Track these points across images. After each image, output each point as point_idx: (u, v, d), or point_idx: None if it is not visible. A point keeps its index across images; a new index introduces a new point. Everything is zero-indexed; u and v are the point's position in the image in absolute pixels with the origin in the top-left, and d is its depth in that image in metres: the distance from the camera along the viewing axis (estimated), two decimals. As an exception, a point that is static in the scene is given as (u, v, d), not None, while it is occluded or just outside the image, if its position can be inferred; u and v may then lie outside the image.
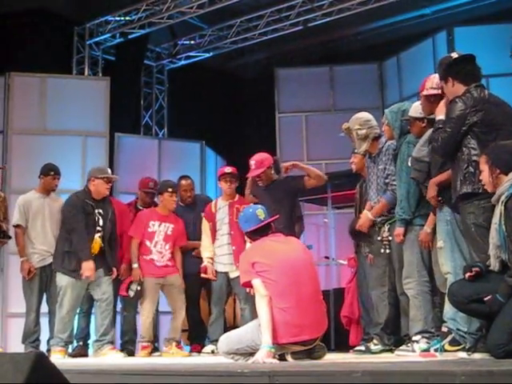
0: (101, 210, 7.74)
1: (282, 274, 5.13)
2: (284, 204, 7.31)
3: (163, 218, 8.11)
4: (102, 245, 7.63)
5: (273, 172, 7.56)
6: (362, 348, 6.80)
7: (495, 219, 4.54)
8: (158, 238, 8.06)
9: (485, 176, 4.70)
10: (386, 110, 6.55)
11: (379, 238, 6.59)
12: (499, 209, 4.50)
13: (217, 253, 7.98)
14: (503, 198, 4.48)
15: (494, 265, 4.54)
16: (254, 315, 7.65)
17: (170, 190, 8.09)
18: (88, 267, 7.47)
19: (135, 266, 7.99)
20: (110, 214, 7.79)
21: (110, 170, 8.06)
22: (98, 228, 7.67)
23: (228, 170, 8.13)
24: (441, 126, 5.06)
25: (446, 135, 4.98)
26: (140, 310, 8.19)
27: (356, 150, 6.95)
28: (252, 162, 7.45)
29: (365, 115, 6.83)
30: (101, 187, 7.75)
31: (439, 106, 5.33)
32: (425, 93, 5.68)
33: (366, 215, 6.63)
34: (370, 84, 13.45)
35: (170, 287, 8.04)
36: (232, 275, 7.79)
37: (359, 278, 7.42)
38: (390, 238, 6.43)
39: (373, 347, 6.63)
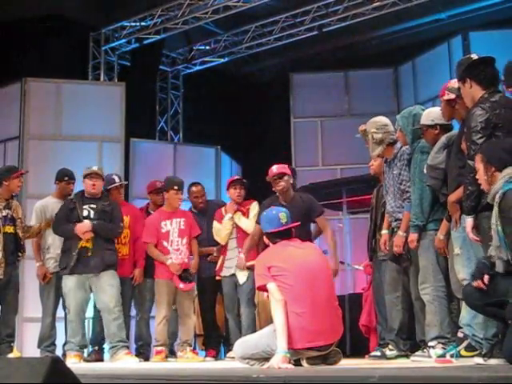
0: (93, 205, 7.78)
1: (298, 278, 5.12)
2: (302, 223, 7.25)
3: (171, 214, 8.10)
4: (92, 238, 7.64)
5: (292, 183, 7.53)
6: (378, 353, 6.78)
7: (493, 219, 4.51)
8: (173, 236, 8.05)
9: (480, 174, 4.68)
10: (398, 116, 6.51)
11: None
12: (495, 209, 4.47)
13: (227, 257, 8.03)
14: (497, 197, 4.45)
15: (498, 266, 4.51)
16: (252, 319, 7.77)
17: (175, 187, 8.08)
18: (81, 229, 7.56)
19: (168, 262, 7.92)
20: (101, 206, 7.80)
21: (95, 167, 8.06)
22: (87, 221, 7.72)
23: (237, 177, 8.21)
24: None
25: (478, 148, 4.92)
26: (155, 314, 8.19)
27: (370, 152, 6.92)
28: (274, 167, 7.48)
29: (382, 119, 6.80)
30: (86, 185, 7.86)
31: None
32: (446, 97, 5.63)
33: (398, 235, 6.50)
34: (385, 89, 13.43)
35: (181, 292, 8.01)
36: (240, 280, 7.82)
37: (375, 284, 7.38)
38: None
39: (388, 353, 6.61)
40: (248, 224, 7.91)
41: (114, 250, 7.87)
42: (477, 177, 4.73)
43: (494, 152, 4.67)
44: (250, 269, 7.52)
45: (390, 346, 6.62)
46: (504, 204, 4.39)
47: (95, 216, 7.73)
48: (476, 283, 4.56)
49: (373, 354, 6.91)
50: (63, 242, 7.80)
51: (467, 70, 5.18)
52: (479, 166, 4.67)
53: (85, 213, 7.73)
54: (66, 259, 7.66)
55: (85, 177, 7.86)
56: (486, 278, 4.52)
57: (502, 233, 4.38)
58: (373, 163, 7.19)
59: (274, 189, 7.46)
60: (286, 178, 7.39)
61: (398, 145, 6.59)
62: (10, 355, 7.62)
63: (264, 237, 5.62)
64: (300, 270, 5.17)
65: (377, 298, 7.33)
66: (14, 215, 7.87)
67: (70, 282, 7.61)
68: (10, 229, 7.82)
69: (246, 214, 8.01)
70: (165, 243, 8.00)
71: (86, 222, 7.62)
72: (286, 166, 7.67)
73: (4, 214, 7.81)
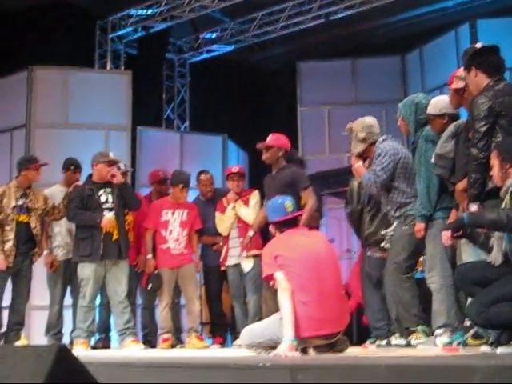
0: (108, 189, 7.77)
1: (304, 267, 5.11)
2: (286, 193, 7.25)
3: (176, 205, 8.16)
4: (116, 222, 7.66)
5: (280, 156, 7.48)
6: (383, 343, 6.77)
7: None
8: (173, 226, 8.09)
9: (495, 171, 4.66)
10: (400, 105, 6.49)
11: (382, 233, 6.62)
12: (505, 200, 4.46)
13: (229, 246, 8.06)
14: (510, 189, 4.44)
15: (496, 258, 4.50)
16: (260, 306, 7.77)
17: (180, 185, 8.13)
18: (107, 220, 7.55)
19: (149, 256, 8.06)
20: (118, 190, 7.79)
21: (111, 154, 8.05)
22: (108, 205, 7.71)
23: (235, 169, 8.22)
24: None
25: (481, 136, 4.92)
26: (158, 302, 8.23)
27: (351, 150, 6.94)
28: (268, 138, 7.50)
29: (369, 120, 6.87)
30: (103, 170, 7.81)
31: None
32: (453, 86, 5.62)
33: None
34: (393, 77, 13.37)
35: (183, 278, 8.08)
36: (246, 269, 7.83)
37: (362, 274, 7.38)
38: (392, 234, 6.45)
39: (394, 341, 6.60)
40: (248, 213, 7.93)
41: (127, 235, 7.91)
42: (491, 173, 4.73)
43: (510, 149, 4.65)
44: (255, 257, 7.55)
45: (396, 335, 6.61)
46: None
47: (115, 200, 7.73)
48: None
49: (379, 342, 6.89)
50: (79, 230, 7.76)
51: (472, 59, 5.17)
52: (495, 162, 4.66)
53: (102, 198, 7.72)
54: (88, 246, 7.61)
55: (101, 162, 7.83)
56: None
57: None
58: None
59: None
60: (272, 150, 7.40)
61: (379, 145, 6.58)
62: (18, 343, 7.65)
63: (270, 226, 5.63)
64: (307, 259, 5.17)
65: (365, 290, 7.32)
66: (29, 205, 7.87)
67: (88, 270, 7.60)
68: (24, 218, 7.83)
69: (246, 203, 8.02)
70: (163, 232, 8.07)
71: (111, 215, 7.60)
72: (281, 137, 7.63)
73: (20, 203, 7.82)
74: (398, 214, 6.40)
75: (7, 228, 7.75)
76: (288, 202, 5.44)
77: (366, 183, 6.54)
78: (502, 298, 4.16)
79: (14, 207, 7.77)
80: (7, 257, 7.67)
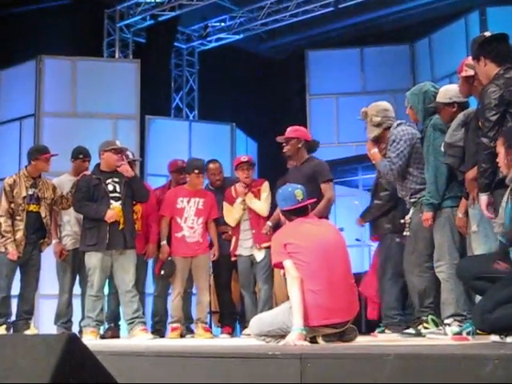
0: (116, 179, 7.74)
1: (314, 255, 5.10)
2: (309, 186, 7.26)
3: (192, 193, 8.13)
4: (122, 212, 7.64)
5: (300, 147, 7.48)
6: (412, 331, 6.71)
7: (505, 197, 4.49)
8: (188, 214, 8.07)
9: (500, 158, 4.62)
10: (408, 93, 6.46)
11: (402, 221, 6.60)
12: (510, 187, 4.44)
13: (241, 237, 8.03)
14: None
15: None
16: (270, 295, 7.77)
17: (196, 171, 8.10)
18: (110, 215, 7.52)
19: (163, 242, 8.07)
20: (125, 179, 7.75)
21: (118, 142, 8.04)
22: (116, 195, 7.68)
23: (244, 158, 8.17)
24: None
25: (492, 125, 4.90)
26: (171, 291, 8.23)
27: (368, 134, 6.91)
28: (288, 129, 7.49)
29: (384, 104, 6.81)
30: (110, 159, 7.76)
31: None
32: (463, 74, 5.59)
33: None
34: (402, 65, 13.36)
35: (196, 268, 8.08)
36: (258, 258, 7.83)
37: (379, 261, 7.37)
38: (409, 221, 6.44)
39: (423, 330, 6.52)
40: (261, 206, 7.91)
41: (134, 225, 7.93)
42: (497, 160, 4.70)
43: None
44: (268, 248, 7.55)
45: (425, 324, 6.51)
46: None
47: (122, 189, 7.72)
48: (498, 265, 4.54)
49: (406, 331, 6.84)
50: (86, 219, 7.73)
51: (481, 48, 5.13)
52: (500, 149, 4.62)
53: (110, 187, 7.71)
54: (94, 235, 7.59)
55: (108, 151, 7.83)
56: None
57: None
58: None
59: None
60: (292, 141, 7.39)
61: (393, 130, 6.55)
62: (27, 332, 7.67)
63: (280, 214, 5.62)
64: (316, 247, 5.16)
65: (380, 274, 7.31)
66: (39, 194, 7.88)
67: (95, 259, 7.59)
68: (34, 207, 7.85)
69: (257, 195, 7.99)
70: (178, 219, 8.05)
71: (116, 205, 7.59)
72: (300, 128, 7.63)
73: (30, 192, 7.83)
74: (413, 200, 6.38)
75: (18, 218, 7.77)
76: (298, 191, 5.42)
77: (382, 171, 6.52)
78: (502, 301, 4.14)
79: (25, 197, 7.79)
80: (17, 246, 7.69)
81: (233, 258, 8.12)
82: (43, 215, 7.87)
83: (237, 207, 8.01)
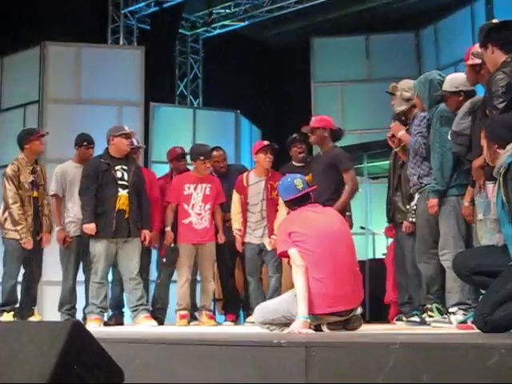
0: (124, 166, 7.72)
1: (318, 244, 5.09)
2: (329, 175, 7.26)
3: (198, 179, 8.09)
4: (129, 200, 7.63)
5: (326, 136, 7.45)
6: (417, 319, 6.70)
7: (495, 192, 4.47)
8: (196, 200, 8.03)
9: (485, 150, 4.62)
10: (414, 82, 6.50)
11: (408, 207, 6.61)
12: (498, 181, 4.42)
13: (251, 226, 8.00)
14: (501, 170, 4.39)
15: (499, 238, 4.48)
16: (280, 284, 7.75)
17: (201, 158, 8.06)
18: (87, 228, 7.56)
19: (167, 228, 8.05)
20: (134, 169, 7.78)
21: (126, 127, 8.03)
22: (123, 182, 7.66)
23: (267, 142, 8.12)
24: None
25: (499, 113, 4.87)
26: (177, 278, 8.20)
27: (394, 108, 6.92)
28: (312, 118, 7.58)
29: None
30: (120, 144, 7.74)
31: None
32: (470, 62, 5.56)
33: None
34: (407, 53, 13.32)
35: (202, 256, 8.05)
36: (268, 247, 7.81)
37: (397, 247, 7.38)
38: (415, 208, 6.44)
39: (427, 319, 6.51)
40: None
41: (146, 214, 7.94)
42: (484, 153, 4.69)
43: (495, 129, 4.59)
44: None
45: (430, 312, 6.50)
46: (510, 174, 4.34)
47: (130, 178, 7.70)
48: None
49: (412, 319, 6.83)
50: (96, 206, 7.72)
51: (488, 35, 5.10)
52: (483, 142, 4.62)
53: (118, 174, 7.68)
54: (100, 222, 7.59)
55: (117, 136, 7.79)
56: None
57: (507, 203, 4.34)
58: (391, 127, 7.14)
59: None
60: (318, 131, 7.40)
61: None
62: (32, 318, 7.69)
63: (284, 205, 5.64)
64: (321, 235, 5.15)
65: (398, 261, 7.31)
66: (37, 180, 7.90)
67: (100, 246, 7.59)
68: (36, 194, 7.89)
69: (274, 189, 7.82)
70: (185, 206, 8.02)
71: (91, 226, 7.57)
72: (324, 117, 7.65)
73: (32, 178, 7.85)
74: (417, 186, 6.40)
75: (26, 204, 7.78)
76: (298, 180, 5.42)
77: (413, 146, 6.47)
78: (500, 301, 4.12)
79: (31, 182, 7.80)
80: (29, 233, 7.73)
81: (239, 249, 8.08)
82: (39, 202, 7.89)
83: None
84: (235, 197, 8.11)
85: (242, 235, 8.02)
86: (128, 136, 7.83)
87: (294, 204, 5.39)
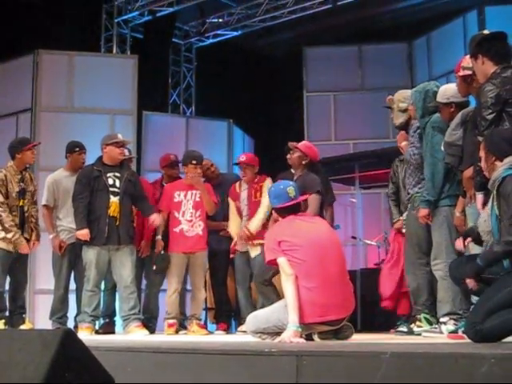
0: (117, 173, 7.74)
1: (309, 253, 5.10)
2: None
3: (189, 187, 8.04)
4: (120, 207, 7.64)
5: (304, 164, 7.43)
6: (404, 329, 6.71)
7: (489, 205, 4.50)
8: (186, 207, 8.00)
9: (482, 162, 4.65)
10: (412, 90, 6.56)
11: (401, 218, 6.68)
12: (492, 194, 4.45)
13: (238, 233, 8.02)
14: (496, 183, 4.42)
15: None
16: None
17: (193, 162, 8.05)
18: (81, 234, 7.58)
19: (158, 237, 8.02)
20: (127, 175, 7.78)
21: (120, 135, 8.04)
22: (115, 189, 7.67)
23: (242, 158, 8.14)
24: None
25: (489, 123, 4.89)
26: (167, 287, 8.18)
27: (394, 121, 6.97)
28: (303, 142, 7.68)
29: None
30: (113, 152, 7.76)
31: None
32: (461, 73, 5.59)
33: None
34: (399, 63, 13.37)
35: (194, 265, 8.00)
36: (252, 254, 7.81)
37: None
38: (405, 218, 6.50)
39: (416, 329, 6.52)
40: (258, 222, 7.84)
41: (133, 221, 7.94)
42: (480, 164, 4.72)
43: (494, 141, 4.63)
44: (262, 245, 7.57)
45: (418, 323, 6.51)
46: (502, 188, 4.37)
47: (121, 185, 7.71)
48: (458, 243, 4.62)
49: (399, 329, 6.84)
50: (88, 212, 7.72)
51: (478, 46, 5.13)
52: (481, 153, 4.65)
53: (110, 181, 7.69)
54: (93, 230, 7.60)
55: (110, 144, 7.79)
56: (469, 240, 4.68)
57: (498, 215, 4.37)
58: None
59: None
60: (299, 154, 7.41)
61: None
62: (23, 326, 7.66)
63: (273, 212, 5.62)
64: (311, 245, 5.15)
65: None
66: (25, 188, 7.88)
67: (92, 253, 7.60)
68: (22, 202, 7.85)
69: (259, 191, 7.94)
70: (176, 214, 7.98)
71: (84, 231, 7.59)
72: (313, 147, 7.64)
73: (19, 187, 7.81)
74: (408, 196, 6.45)
75: (13, 213, 7.76)
76: (290, 188, 5.42)
77: (406, 157, 6.58)
78: (491, 311, 4.15)
79: (18, 192, 7.78)
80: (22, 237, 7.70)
81: (232, 255, 8.10)
82: (25, 209, 7.86)
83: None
84: (231, 204, 8.14)
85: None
86: (120, 144, 7.83)
87: (285, 212, 5.39)
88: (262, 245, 7.51)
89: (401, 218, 7.17)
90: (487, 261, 4.35)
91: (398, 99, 6.81)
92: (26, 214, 7.89)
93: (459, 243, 4.71)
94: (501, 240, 4.30)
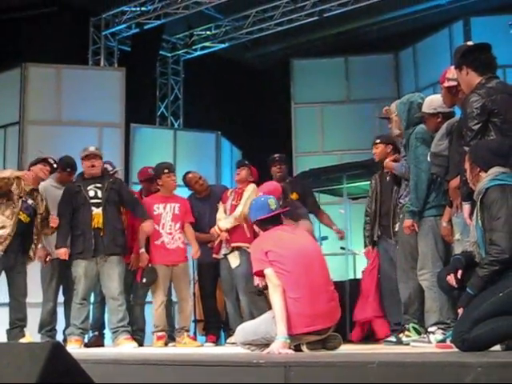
0: (98, 184, 7.77)
1: (295, 264, 5.13)
2: None
3: (167, 199, 8.13)
4: (103, 217, 7.65)
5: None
6: (393, 339, 6.73)
7: (474, 215, 4.53)
8: (166, 220, 8.05)
9: (468, 174, 4.68)
10: (396, 101, 6.59)
11: (395, 229, 6.70)
12: (477, 206, 4.48)
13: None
14: (480, 194, 4.45)
15: (479, 259, 4.54)
16: (251, 307, 7.67)
17: (166, 171, 8.11)
18: (59, 253, 7.65)
19: (142, 250, 7.99)
20: (108, 184, 7.80)
21: (92, 148, 8.04)
22: (97, 201, 7.70)
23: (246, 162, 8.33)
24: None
25: (474, 134, 4.92)
26: (152, 299, 8.16)
27: (392, 131, 6.94)
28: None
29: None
30: (84, 166, 7.88)
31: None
32: (446, 84, 5.61)
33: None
34: (386, 75, 13.41)
35: (177, 276, 8.03)
36: (232, 264, 7.83)
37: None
38: (397, 228, 6.56)
39: (405, 339, 6.54)
40: (231, 220, 7.92)
41: (123, 229, 7.91)
42: (466, 174, 4.74)
43: (479, 153, 4.66)
44: (238, 249, 7.62)
45: (407, 332, 6.53)
46: (485, 199, 4.40)
47: (103, 194, 7.72)
48: (449, 277, 4.60)
49: (388, 339, 6.86)
50: (72, 227, 7.73)
51: (463, 57, 5.17)
52: (466, 165, 4.68)
53: (91, 193, 7.71)
54: (80, 244, 7.63)
55: (82, 159, 7.85)
56: (460, 273, 4.58)
57: (481, 227, 4.40)
58: (375, 151, 7.28)
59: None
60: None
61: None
62: (23, 340, 7.56)
63: (254, 226, 5.63)
64: (296, 256, 5.19)
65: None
66: (36, 208, 7.74)
67: (80, 267, 7.62)
68: (26, 218, 7.64)
69: (240, 195, 8.00)
70: (156, 226, 8.00)
71: (62, 250, 7.63)
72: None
73: (29, 201, 7.66)
74: (399, 206, 6.49)
75: (6, 213, 7.55)
76: (271, 200, 5.49)
77: (400, 171, 6.61)
78: (478, 320, 4.17)
79: (21, 198, 7.61)
80: (0, 243, 7.52)
81: (214, 255, 8.08)
82: (31, 229, 7.74)
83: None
84: (221, 207, 8.16)
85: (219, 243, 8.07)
86: (89, 157, 7.83)
87: (267, 224, 5.42)
88: (238, 249, 7.58)
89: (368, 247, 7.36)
90: (478, 288, 4.34)
91: (394, 109, 6.80)
92: (35, 237, 7.79)
93: (451, 279, 4.68)
94: (483, 263, 4.33)
